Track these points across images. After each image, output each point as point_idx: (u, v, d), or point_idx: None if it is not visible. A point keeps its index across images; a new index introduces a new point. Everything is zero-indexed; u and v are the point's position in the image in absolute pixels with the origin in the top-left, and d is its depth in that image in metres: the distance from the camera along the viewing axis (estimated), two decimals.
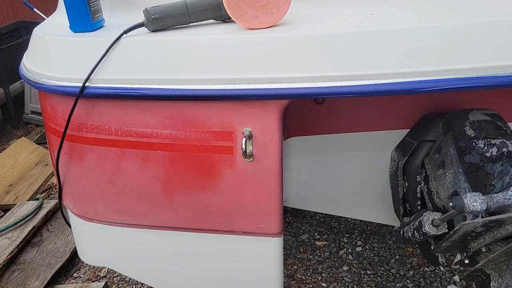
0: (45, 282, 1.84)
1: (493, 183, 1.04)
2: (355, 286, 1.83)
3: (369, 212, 1.66)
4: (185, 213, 1.21)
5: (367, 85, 0.96)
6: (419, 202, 1.40)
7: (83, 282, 1.94)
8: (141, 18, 1.08)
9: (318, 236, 2.14)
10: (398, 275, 1.87)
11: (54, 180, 2.65)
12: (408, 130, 1.45)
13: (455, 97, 1.39)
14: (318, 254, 2.03)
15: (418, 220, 1.21)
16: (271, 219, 1.17)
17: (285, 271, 1.93)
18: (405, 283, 1.82)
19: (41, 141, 3.23)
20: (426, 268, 1.90)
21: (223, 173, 1.13)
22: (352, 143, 1.51)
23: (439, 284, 1.81)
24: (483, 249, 1.11)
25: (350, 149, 1.54)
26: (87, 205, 1.31)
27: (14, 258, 1.99)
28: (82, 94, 1.07)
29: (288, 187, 1.68)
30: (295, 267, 1.96)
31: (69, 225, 1.47)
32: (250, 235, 1.21)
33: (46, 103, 1.24)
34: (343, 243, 2.09)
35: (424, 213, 1.19)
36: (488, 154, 1.08)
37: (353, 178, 1.59)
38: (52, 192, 2.60)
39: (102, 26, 1.17)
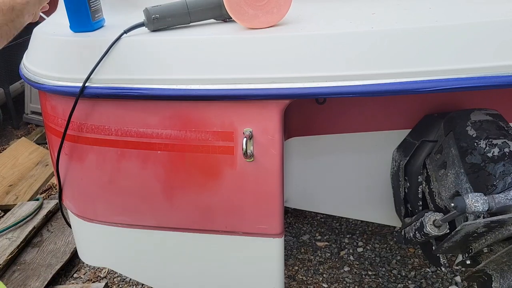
0: (46, 283, 1.84)
1: (494, 183, 1.04)
2: (356, 287, 1.83)
3: (370, 213, 1.65)
4: (185, 214, 1.21)
5: (368, 85, 0.95)
6: (421, 203, 1.39)
7: (83, 282, 1.94)
8: (141, 18, 1.08)
9: (319, 237, 2.14)
10: (399, 275, 1.87)
11: (54, 180, 2.65)
12: (410, 130, 1.44)
13: (456, 97, 1.39)
14: (319, 254, 2.02)
15: (420, 220, 1.21)
16: (272, 220, 1.17)
17: (286, 271, 1.93)
18: (407, 284, 1.82)
19: (41, 141, 3.23)
20: (427, 269, 1.89)
21: (223, 174, 1.12)
22: (353, 143, 1.51)
23: (440, 285, 1.81)
24: (485, 250, 1.10)
25: (351, 149, 1.54)
26: (87, 205, 1.31)
27: (14, 259, 1.98)
28: (82, 94, 1.06)
29: (289, 187, 1.68)
30: (296, 267, 1.95)
31: (69, 225, 1.47)
32: (251, 235, 1.20)
33: (46, 103, 1.23)
34: (344, 243, 2.08)
35: (425, 214, 1.19)
36: (489, 155, 1.08)
37: (354, 179, 1.59)
38: (52, 193, 2.60)
39: (102, 26, 1.17)
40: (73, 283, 1.94)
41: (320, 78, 0.97)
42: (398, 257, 1.97)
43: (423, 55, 0.95)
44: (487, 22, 0.95)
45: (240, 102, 1.04)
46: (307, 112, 1.51)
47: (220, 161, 1.11)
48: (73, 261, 2.05)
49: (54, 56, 1.14)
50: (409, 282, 1.83)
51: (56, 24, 1.24)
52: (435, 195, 1.30)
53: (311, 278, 1.89)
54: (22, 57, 1.30)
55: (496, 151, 1.08)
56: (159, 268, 1.35)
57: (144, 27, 1.08)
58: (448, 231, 1.14)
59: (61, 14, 1.30)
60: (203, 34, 1.05)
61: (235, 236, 1.21)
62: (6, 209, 2.41)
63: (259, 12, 1.02)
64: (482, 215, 1.07)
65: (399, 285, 1.82)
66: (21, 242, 2.04)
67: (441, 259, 1.29)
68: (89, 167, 1.21)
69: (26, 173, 2.72)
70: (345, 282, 1.86)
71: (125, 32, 1.05)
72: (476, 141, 1.12)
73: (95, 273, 2.00)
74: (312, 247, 2.08)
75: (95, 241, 1.40)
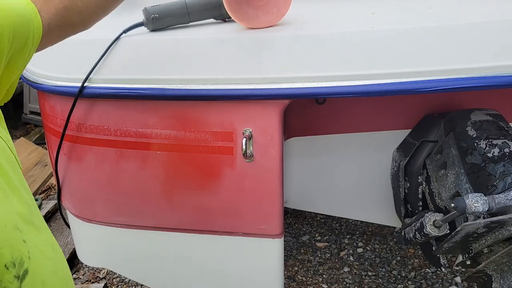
0: None
1: (495, 183, 1.04)
2: (356, 287, 1.83)
3: (370, 213, 1.65)
4: (185, 214, 1.20)
5: (368, 85, 0.95)
6: (421, 203, 1.39)
7: (82, 283, 1.94)
8: (140, 18, 1.08)
9: (319, 237, 2.13)
10: (399, 276, 1.87)
11: (53, 180, 2.64)
12: (410, 130, 1.44)
13: (457, 97, 1.39)
14: (319, 255, 2.02)
15: (420, 221, 1.21)
16: (271, 220, 1.16)
17: (285, 272, 1.92)
18: (407, 285, 1.81)
19: (40, 142, 3.23)
20: (427, 269, 1.89)
21: (223, 174, 1.12)
22: (353, 143, 1.51)
23: (440, 285, 1.80)
24: (485, 250, 1.10)
25: (351, 150, 1.53)
26: (86, 206, 1.31)
27: None
28: (81, 94, 1.06)
29: (289, 188, 1.68)
30: (296, 268, 1.95)
31: (68, 226, 1.46)
32: (251, 236, 1.20)
33: (45, 103, 1.23)
34: (344, 244, 2.08)
35: (425, 214, 1.18)
36: (490, 155, 1.08)
37: (354, 179, 1.58)
38: (51, 193, 2.59)
39: None
40: None
41: (320, 78, 0.97)
42: (398, 258, 1.97)
43: (423, 55, 0.95)
44: (487, 22, 0.95)
45: (240, 102, 1.04)
46: (307, 112, 1.51)
47: (220, 161, 1.11)
48: (72, 262, 2.04)
49: (53, 56, 1.13)
50: (409, 282, 1.83)
51: None
52: (435, 196, 1.30)
53: (311, 279, 1.89)
54: None
55: (496, 151, 1.07)
56: (158, 269, 1.35)
57: (143, 26, 1.08)
58: (448, 231, 1.14)
59: None
60: (202, 34, 1.05)
61: (235, 237, 1.21)
62: None
63: (259, 12, 1.02)
64: (482, 215, 1.06)
65: (399, 286, 1.81)
66: None
67: (441, 260, 1.28)
68: (88, 167, 1.21)
69: (25, 174, 2.72)
70: (345, 283, 1.85)
71: (124, 31, 1.05)
72: (476, 141, 1.12)
73: (94, 273, 1.99)
74: (312, 247, 2.07)
75: (94, 242, 1.40)
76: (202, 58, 1.01)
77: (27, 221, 0.58)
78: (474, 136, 1.13)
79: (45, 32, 0.70)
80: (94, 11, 0.77)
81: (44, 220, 0.66)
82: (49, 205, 2.31)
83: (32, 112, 3.57)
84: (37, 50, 0.72)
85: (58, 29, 0.73)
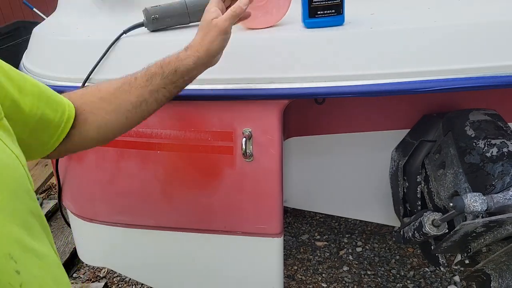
0: None
1: (493, 183, 1.04)
2: (355, 286, 1.83)
3: (369, 213, 1.65)
4: (184, 214, 1.21)
5: (367, 85, 0.95)
6: (420, 203, 1.39)
7: (82, 282, 1.94)
8: (141, 18, 1.08)
9: (318, 237, 2.14)
10: (398, 275, 1.87)
11: (53, 180, 2.65)
12: (409, 130, 1.44)
13: (455, 97, 1.39)
14: (318, 254, 2.03)
15: (419, 220, 1.21)
16: (271, 220, 1.17)
17: (285, 271, 1.93)
18: (406, 284, 1.82)
19: None
20: (426, 269, 1.90)
21: (223, 174, 1.12)
22: (352, 143, 1.51)
23: (439, 284, 1.81)
24: (484, 250, 1.10)
25: (350, 149, 1.54)
26: (87, 205, 1.31)
27: None
28: None
29: (288, 187, 1.68)
30: (295, 267, 1.96)
31: (69, 225, 1.47)
32: (250, 235, 1.20)
33: None
34: (343, 243, 2.08)
35: (424, 214, 1.19)
36: (488, 154, 1.08)
37: (353, 178, 1.59)
38: (52, 193, 2.60)
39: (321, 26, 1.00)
40: (72, 283, 1.94)
41: (319, 78, 0.97)
42: (397, 257, 1.98)
43: (422, 55, 0.95)
44: (486, 22, 0.95)
45: (239, 102, 1.04)
46: (306, 112, 1.51)
47: (219, 161, 1.11)
48: (72, 261, 2.05)
49: (53, 56, 1.14)
50: (408, 281, 1.83)
51: (56, 24, 1.24)
52: (434, 195, 1.30)
53: (310, 278, 1.89)
54: (22, 57, 1.30)
55: (494, 151, 1.08)
56: (158, 268, 1.36)
57: (144, 27, 1.08)
58: (447, 230, 1.15)
59: (61, 14, 1.30)
60: None
61: (234, 236, 1.21)
62: None
63: (258, 12, 1.03)
64: (481, 214, 1.07)
65: (398, 285, 1.82)
66: None
67: (440, 259, 1.29)
68: (88, 167, 1.21)
69: None
70: (344, 282, 1.86)
71: (125, 32, 1.06)
72: (475, 141, 1.12)
73: (95, 273, 2.00)
74: (311, 246, 2.08)
75: (94, 241, 1.40)
76: None
77: (26, 248, 0.50)
78: (473, 136, 1.14)
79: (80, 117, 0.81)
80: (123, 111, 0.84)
81: (49, 243, 0.58)
82: (50, 204, 2.31)
83: None
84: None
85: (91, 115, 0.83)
